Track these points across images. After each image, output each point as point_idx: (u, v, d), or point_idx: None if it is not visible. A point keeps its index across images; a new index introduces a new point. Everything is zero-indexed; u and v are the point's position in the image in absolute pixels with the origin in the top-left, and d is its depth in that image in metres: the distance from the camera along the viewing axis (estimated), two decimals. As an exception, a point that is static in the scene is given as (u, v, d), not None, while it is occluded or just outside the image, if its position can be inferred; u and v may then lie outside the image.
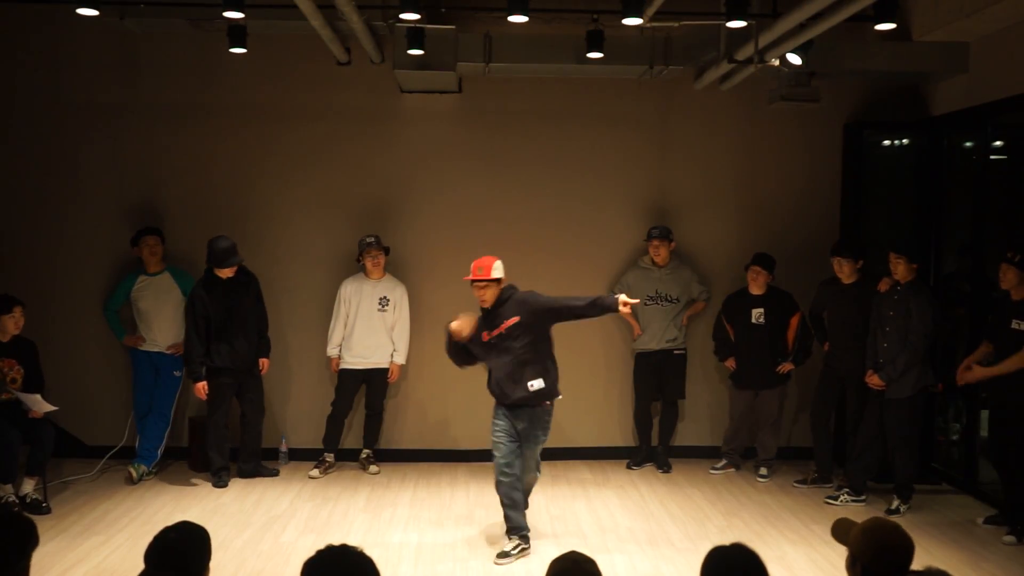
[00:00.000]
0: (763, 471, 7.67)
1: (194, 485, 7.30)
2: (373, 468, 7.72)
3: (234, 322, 7.24)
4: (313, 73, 7.90)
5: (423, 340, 7.71)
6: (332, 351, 7.66)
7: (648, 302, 7.72)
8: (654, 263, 7.80)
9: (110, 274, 7.80)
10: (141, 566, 3.06)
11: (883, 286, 6.89)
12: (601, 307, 5.71)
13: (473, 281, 5.81)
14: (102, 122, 7.86)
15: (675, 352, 7.82)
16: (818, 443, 7.48)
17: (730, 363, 7.76)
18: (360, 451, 7.84)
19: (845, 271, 7.16)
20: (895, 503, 6.78)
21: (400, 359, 7.68)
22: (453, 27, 7.15)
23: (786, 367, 7.60)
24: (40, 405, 6.55)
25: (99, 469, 7.53)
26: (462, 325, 5.77)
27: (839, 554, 3.63)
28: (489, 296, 5.82)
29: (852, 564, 3.14)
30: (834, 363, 7.33)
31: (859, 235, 7.70)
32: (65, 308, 7.84)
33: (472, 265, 5.82)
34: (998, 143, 7.37)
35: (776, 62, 6.75)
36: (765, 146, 8.13)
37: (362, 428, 7.83)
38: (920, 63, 7.37)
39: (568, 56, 7.23)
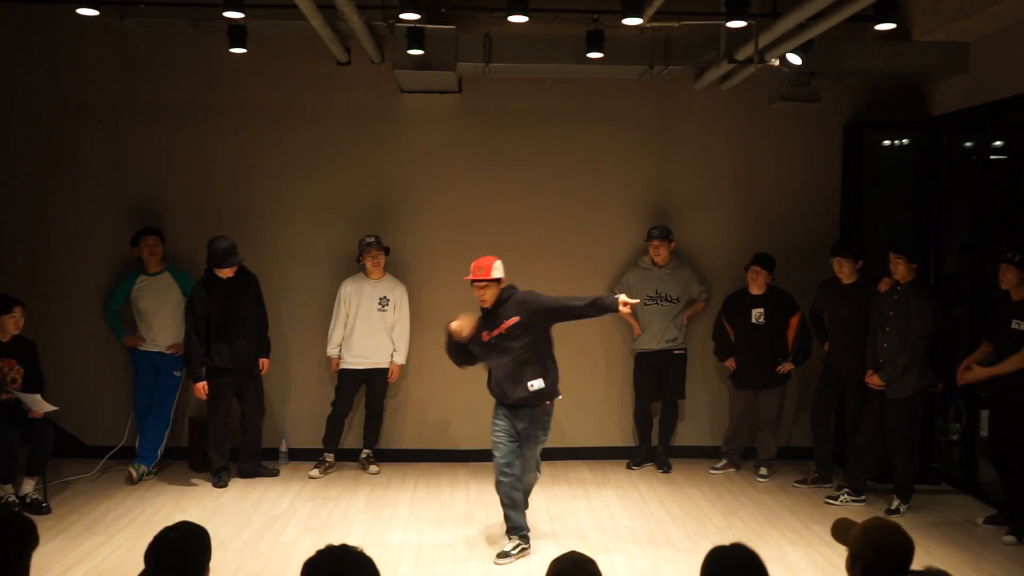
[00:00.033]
0: (763, 471, 7.66)
1: (194, 485, 7.30)
2: (373, 468, 7.72)
3: (234, 322, 7.24)
4: (313, 73, 7.90)
5: (423, 340, 7.71)
6: (332, 351, 7.66)
7: (648, 302, 7.72)
8: (654, 263, 7.80)
9: (110, 274, 7.80)
10: (141, 566, 3.06)
11: (883, 286, 6.89)
12: (601, 307, 5.71)
13: (473, 281, 5.81)
14: (102, 122, 7.86)
15: (675, 352, 7.82)
16: (818, 443, 7.48)
17: (730, 363, 7.76)
18: (360, 451, 7.84)
19: (845, 271, 7.16)
20: (895, 503, 6.78)
21: (400, 359, 7.68)
22: (453, 27, 7.15)
23: (786, 367, 7.60)
24: (40, 405, 6.55)
25: (99, 469, 7.53)
26: (462, 325, 5.77)
27: (839, 554, 3.62)
28: (489, 296, 5.82)
29: (852, 564, 3.14)
30: (834, 363, 7.33)
31: (859, 235, 7.70)
32: (65, 308, 7.84)
33: (472, 265, 5.82)
34: (998, 143, 7.37)
35: (776, 62, 6.75)
36: (765, 146, 8.13)
37: (362, 428, 7.83)
38: (920, 63, 7.37)
39: (568, 56, 7.23)
